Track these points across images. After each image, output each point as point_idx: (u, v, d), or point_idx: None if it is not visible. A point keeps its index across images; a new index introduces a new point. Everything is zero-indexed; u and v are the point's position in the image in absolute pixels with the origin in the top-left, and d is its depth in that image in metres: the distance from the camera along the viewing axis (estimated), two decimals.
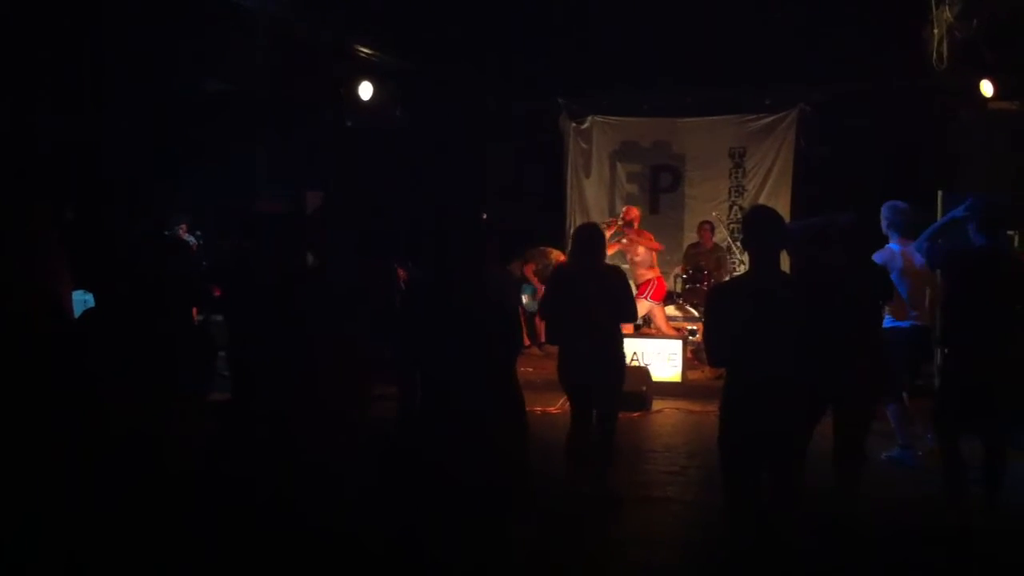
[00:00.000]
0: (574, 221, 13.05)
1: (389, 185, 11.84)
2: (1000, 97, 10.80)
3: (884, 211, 6.86)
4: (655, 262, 11.21)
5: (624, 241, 11.30)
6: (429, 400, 4.56)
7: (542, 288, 11.35)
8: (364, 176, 12.00)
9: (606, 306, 5.93)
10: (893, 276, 6.26)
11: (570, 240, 6.26)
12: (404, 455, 4.63)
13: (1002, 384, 5.44)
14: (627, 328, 10.92)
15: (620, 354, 6.21)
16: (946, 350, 5.96)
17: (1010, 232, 9.47)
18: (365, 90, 11.91)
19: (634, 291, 11.19)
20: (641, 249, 11.14)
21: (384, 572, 4.57)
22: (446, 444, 4.42)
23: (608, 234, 11.00)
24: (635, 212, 11.44)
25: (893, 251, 6.69)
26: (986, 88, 10.79)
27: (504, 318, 4.75)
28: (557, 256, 11.67)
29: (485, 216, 10.10)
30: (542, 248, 12.02)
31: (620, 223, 11.35)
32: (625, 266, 11.44)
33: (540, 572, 4.89)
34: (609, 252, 10.95)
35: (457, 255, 4.56)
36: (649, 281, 11.02)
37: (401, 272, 10.28)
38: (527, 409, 4.85)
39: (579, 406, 6.09)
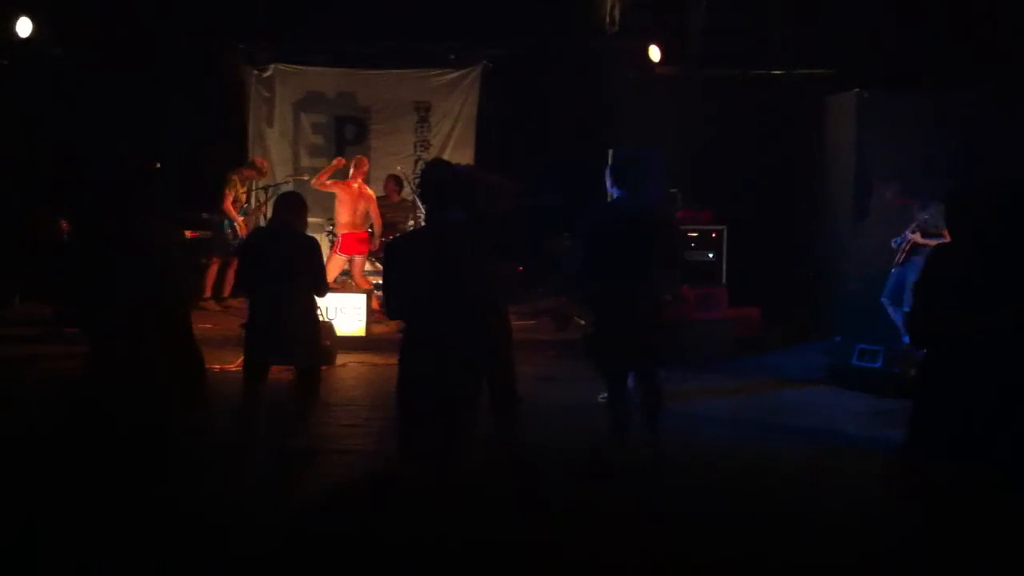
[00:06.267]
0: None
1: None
2: (665, 62, 11.47)
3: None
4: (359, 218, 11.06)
5: (354, 187, 11.02)
6: None
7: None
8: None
9: (299, 271, 5.98)
10: None
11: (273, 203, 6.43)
12: None
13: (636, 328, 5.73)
14: None
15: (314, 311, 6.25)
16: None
17: (673, 190, 10.15)
18: (24, 27, 10.98)
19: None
20: (363, 203, 10.97)
21: None
22: None
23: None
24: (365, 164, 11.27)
25: None
26: (653, 53, 11.43)
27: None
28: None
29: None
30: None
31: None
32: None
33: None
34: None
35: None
36: (353, 236, 10.92)
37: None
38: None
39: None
